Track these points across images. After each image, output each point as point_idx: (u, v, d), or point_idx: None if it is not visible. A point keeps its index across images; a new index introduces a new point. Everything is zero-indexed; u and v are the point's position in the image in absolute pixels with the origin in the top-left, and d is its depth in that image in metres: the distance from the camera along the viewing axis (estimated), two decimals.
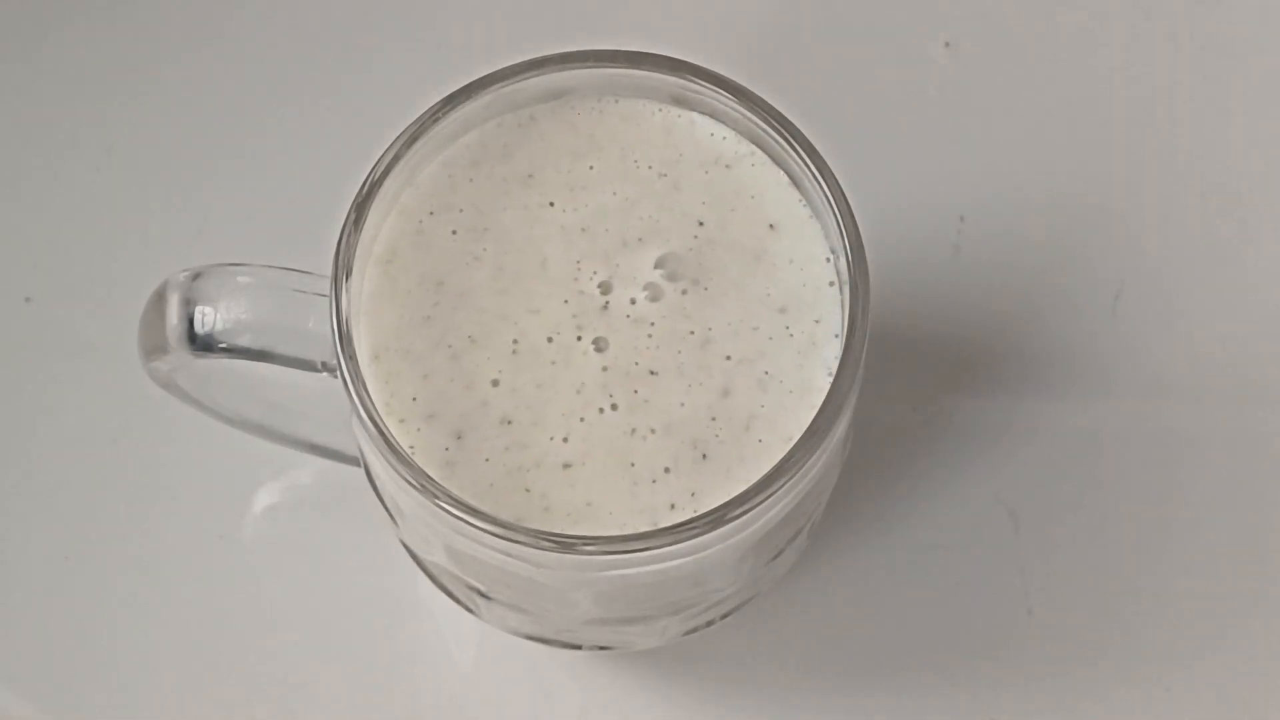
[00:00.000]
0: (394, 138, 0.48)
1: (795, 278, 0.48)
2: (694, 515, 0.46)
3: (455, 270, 0.48)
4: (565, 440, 0.47)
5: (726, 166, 0.49)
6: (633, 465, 0.47)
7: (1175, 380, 0.58)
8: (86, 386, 0.58)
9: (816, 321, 0.48)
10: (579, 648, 0.53)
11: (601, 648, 0.53)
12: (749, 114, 0.49)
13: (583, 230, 0.49)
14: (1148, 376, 0.58)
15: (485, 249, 0.49)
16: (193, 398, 0.53)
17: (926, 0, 0.62)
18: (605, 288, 0.48)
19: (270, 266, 0.49)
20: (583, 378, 0.48)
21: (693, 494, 0.47)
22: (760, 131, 0.49)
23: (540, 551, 0.46)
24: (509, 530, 0.46)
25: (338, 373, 0.47)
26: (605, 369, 0.48)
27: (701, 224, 0.49)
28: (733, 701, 0.55)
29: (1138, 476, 0.57)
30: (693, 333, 0.48)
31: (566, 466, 0.47)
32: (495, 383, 0.48)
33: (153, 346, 0.50)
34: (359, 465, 0.51)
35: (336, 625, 0.56)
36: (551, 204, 0.49)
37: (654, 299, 0.48)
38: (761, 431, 0.47)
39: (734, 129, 0.50)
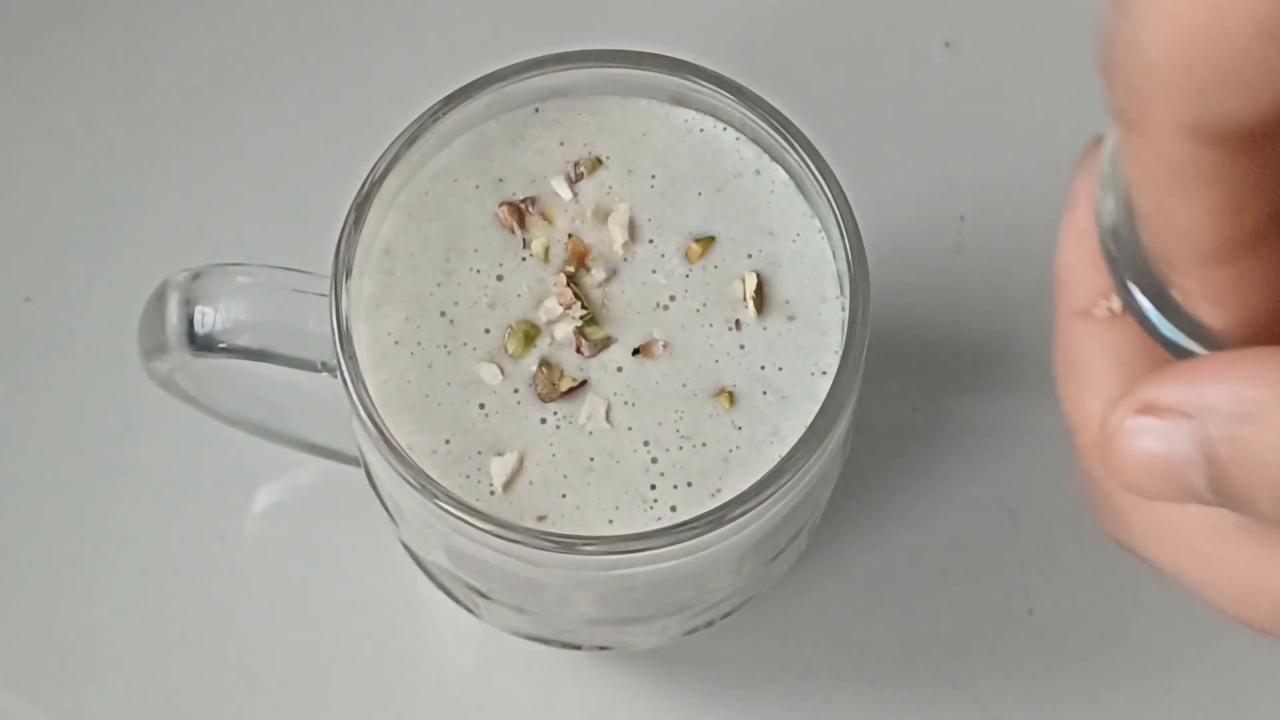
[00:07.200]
0: (394, 138, 0.48)
1: (795, 277, 0.48)
2: (694, 515, 0.46)
3: (454, 269, 0.48)
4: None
5: (727, 166, 0.49)
6: (633, 465, 0.47)
7: None
8: (86, 386, 0.58)
9: (816, 321, 0.48)
10: (579, 648, 0.53)
11: (601, 648, 0.53)
12: (749, 114, 0.49)
13: (583, 230, 0.49)
14: None
15: (483, 248, 0.49)
16: (192, 397, 0.52)
17: (926, 0, 0.62)
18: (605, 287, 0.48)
19: (270, 266, 0.49)
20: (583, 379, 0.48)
21: (693, 494, 0.47)
22: (761, 131, 0.49)
23: (540, 551, 0.46)
24: (508, 530, 0.46)
25: (338, 373, 0.47)
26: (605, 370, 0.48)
27: (701, 226, 0.49)
28: (733, 701, 0.55)
29: None
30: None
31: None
32: (496, 381, 0.48)
33: (152, 346, 0.50)
34: (359, 465, 0.51)
35: (336, 625, 0.56)
36: (552, 203, 0.49)
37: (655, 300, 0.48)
38: (762, 432, 0.47)
39: (734, 129, 0.50)
